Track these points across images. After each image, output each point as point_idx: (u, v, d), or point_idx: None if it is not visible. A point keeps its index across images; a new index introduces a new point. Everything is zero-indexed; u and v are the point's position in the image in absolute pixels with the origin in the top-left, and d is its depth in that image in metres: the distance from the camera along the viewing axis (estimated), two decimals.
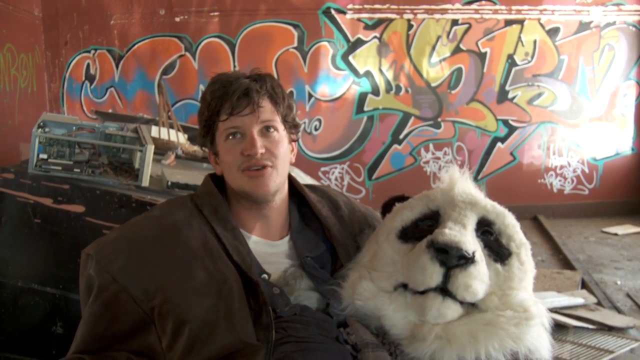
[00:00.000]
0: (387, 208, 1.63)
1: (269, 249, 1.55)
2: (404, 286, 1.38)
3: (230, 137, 1.48)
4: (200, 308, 1.29)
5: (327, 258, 1.59)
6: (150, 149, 2.31)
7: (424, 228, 1.45)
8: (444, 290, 1.31)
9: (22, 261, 2.33)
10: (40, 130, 2.28)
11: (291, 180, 1.65)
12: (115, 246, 1.40)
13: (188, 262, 1.35)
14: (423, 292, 1.33)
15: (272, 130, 1.50)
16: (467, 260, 1.30)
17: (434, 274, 1.29)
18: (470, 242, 1.34)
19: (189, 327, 1.26)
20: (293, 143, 1.61)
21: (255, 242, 1.53)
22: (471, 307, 1.35)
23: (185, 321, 1.27)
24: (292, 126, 1.58)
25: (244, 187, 1.49)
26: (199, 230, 1.42)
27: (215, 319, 1.28)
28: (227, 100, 1.46)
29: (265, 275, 1.45)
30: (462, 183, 1.53)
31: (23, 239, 2.30)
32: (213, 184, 1.58)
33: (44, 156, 2.29)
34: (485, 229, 1.45)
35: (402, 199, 1.62)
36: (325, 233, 1.62)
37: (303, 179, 3.20)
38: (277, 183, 1.51)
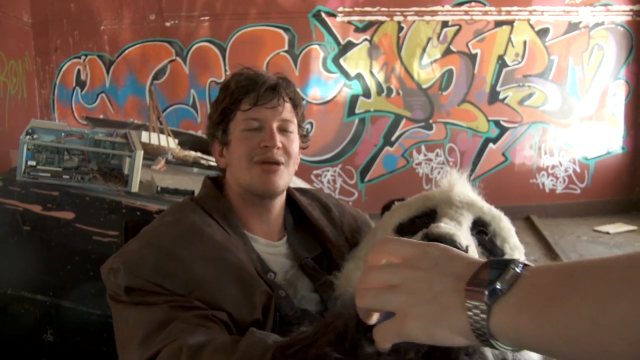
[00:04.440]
0: (386, 209, 1.65)
1: (272, 249, 1.54)
2: None
3: (249, 129, 1.48)
4: (237, 295, 1.28)
5: (323, 260, 1.59)
6: (140, 154, 2.30)
7: (420, 224, 1.46)
8: None
9: (12, 269, 2.32)
10: (28, 137, 2.27)
11: None
12: (141, 253, 1.33)
13: (219, 254, 1.34)
14: None
15: (289, 131, 1.52)
16: None
17: None
18: (465, 237, 1.35)
19: (227, 315, 1.26)
20: (300, 151, 1.61)
21: (260, 242, 1.53)
22: None
23: (223, 310, 1.26)
24: (303, 135, 1.59)
25: (252, 180, 1.47)
26: (218, 229, 1.42)
27: (252, 303, 1.28)
28: (253, 90, 1.47)
29: (271, 274, 1.45)
30: (461, 185, 1.55)
31: (12, 247, 2.29)
32: (215, 187, 1.57)
33: (33, 163, 2.27)
34: (480, 229, 1.46)
35: (401, 201, 1.64)
36: (317, 235, 1.62)
37: (295, 182, 3.20)
38: (285, 182, 1.51)
